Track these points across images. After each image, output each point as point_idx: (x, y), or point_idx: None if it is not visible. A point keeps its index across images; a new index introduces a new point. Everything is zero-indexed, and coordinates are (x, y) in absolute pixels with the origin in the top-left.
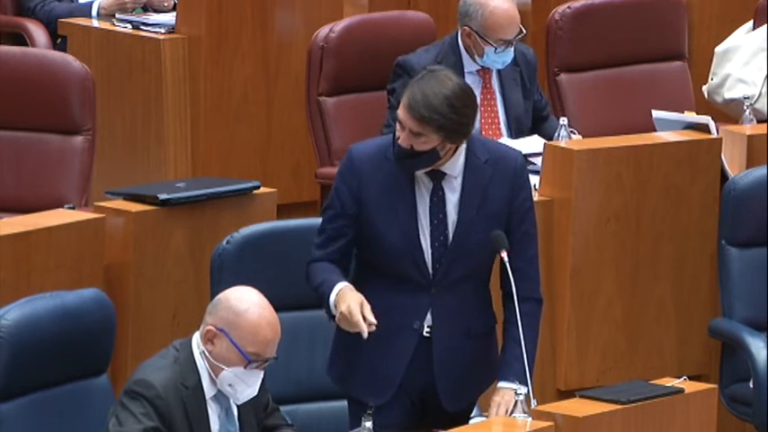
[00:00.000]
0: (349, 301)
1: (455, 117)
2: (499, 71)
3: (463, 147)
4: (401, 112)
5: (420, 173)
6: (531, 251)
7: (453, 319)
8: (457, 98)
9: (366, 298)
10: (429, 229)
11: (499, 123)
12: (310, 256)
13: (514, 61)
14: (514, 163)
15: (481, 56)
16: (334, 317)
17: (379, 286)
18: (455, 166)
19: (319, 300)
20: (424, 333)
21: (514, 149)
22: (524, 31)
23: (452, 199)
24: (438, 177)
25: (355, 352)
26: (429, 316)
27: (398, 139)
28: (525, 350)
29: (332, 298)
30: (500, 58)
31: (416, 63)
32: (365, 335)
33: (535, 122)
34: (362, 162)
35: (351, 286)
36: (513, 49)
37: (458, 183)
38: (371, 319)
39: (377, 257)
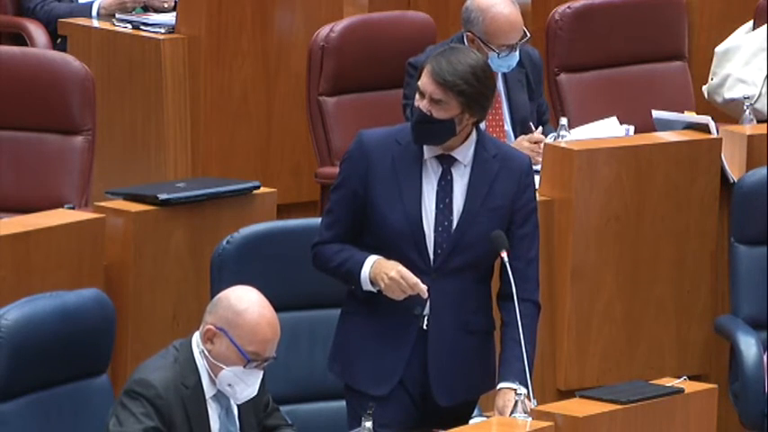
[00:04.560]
0: (395, 266)
1: (477, 85)
2: (504, 73)
3: (474, 137)
4: (423, 80)
5: (430, 156)
6: (530, 253)
7: (452, 310)
8: (480, 69)
9: None
10: (434, 214)
11: (504, 125)
12: (317, 238)
13: (520, 63)
14: (522, 163)
15: None
16: (361, 289)
17: None
18: (465, 153)
19: (342, 277)
20: (424, 326)
21: (522, 152)
22: (528, 34)
23: (459, 187)
24: (448, 162)
25: (358, 343)
26: (429, 303)
27: (417, 106)
28: (525, 351)
29: (365, 271)
30: (504, 63)
31: None
32: (425, 293)
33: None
34: (372, 144)
35: (383, 258)
36: (517, 52)
37: (466, 172)
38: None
39: (379, 240)
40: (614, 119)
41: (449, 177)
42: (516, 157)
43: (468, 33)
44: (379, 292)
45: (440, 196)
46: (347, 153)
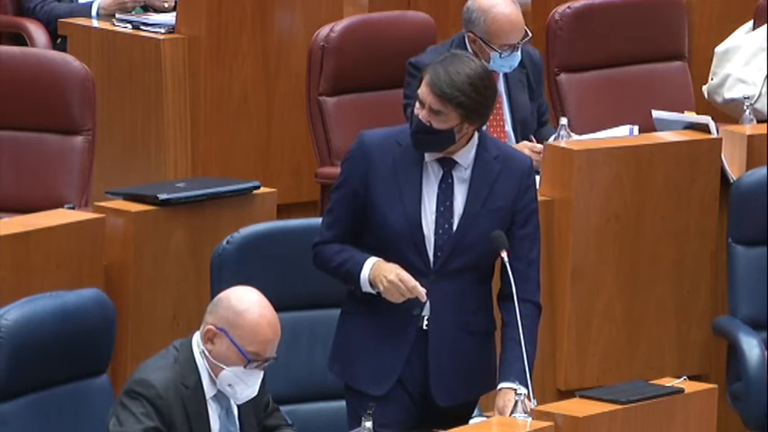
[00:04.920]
0: (394, 269)
1: (476, 96)
2: (506, 73)
3: (475, 140)
4: (422, 90)
5: (431, 159)
6: (531, 254)
7: (452, 310)
8: (479, 78)
9: None
10: (434, 216)
11: (504, 126)
12: (317, 238)
13: (521, 63)
14: (523, 164)
15: (488, 61)
16: (361, 290)
17: None
18: (466, 156)
19: (341, 278)
20: (423, 326)
21: (523, 153)
22: (530, 33)
23: (460, 189)
24: (448, 165)
25: (357, 343)
26: (428, 304)
27: (417, 115)
28: (525, 350)
29: (365, 272)
30: (506, 63)
31: (429, 62)
32: (424, 297)
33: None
34: (373, 145)
35: (382, 260)
36: (519, 52)
37: (467, 174)
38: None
39: (379, 241)
40: (626, 127)
41: (449, 180)
42: (517, 158)
43: (470, 34)
44: (379, 293)
45: (440, 199)
46: (348, 153)
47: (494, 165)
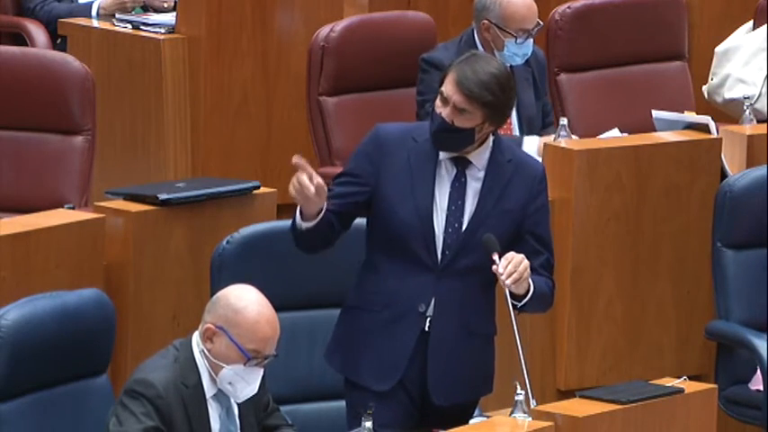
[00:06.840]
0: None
1: (501, 96)
2: (513, 71)
3: (489, 142)
4: (448, 88)
5: (445, 157)
6: (542, 257)
7: (455, 310)
8: (505, 78)
9: (375, 281)
10: (445, 214)
11: (510, 123)
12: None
13: (527, 61)
14: (535, 171)
15: (501, 49)
16: (296, 226)
17: (389, 269)
18: (481, 157)
19: (302, 233)
20: (426, 327)
21: (537, 160)
22: (541, 23)
23: (473, 190)
24: (462, 165)
25: (361, 337)
26: (433, 301)
27: (439, 113)
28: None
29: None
30: (520, 50)
31: (444, 58)
32: (312, 190)
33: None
34: (388, 137)
35: None
36: (531, 41)
37: (480, 175)
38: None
39: (388, 234)
40: (615, 130)
41: (462, 180)
42: (530, 165)
43: (484, 21)
44: (379, 284)
45: (452, 198)
46: (362, 144)
47: (507, 167)
